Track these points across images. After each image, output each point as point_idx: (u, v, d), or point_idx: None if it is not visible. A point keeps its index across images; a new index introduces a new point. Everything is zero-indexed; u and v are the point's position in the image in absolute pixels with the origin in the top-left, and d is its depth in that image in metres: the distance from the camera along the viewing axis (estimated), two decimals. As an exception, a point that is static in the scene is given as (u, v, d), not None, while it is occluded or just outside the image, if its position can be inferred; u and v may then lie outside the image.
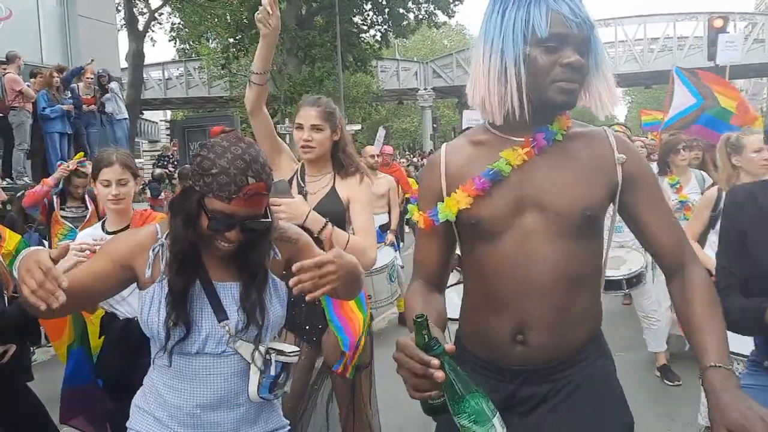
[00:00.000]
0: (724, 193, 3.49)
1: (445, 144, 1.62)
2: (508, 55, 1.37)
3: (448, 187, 1.52)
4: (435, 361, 1.16)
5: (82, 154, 5.93)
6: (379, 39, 24.84)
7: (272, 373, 1.67)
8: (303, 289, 1.49)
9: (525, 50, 1.36)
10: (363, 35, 24.54)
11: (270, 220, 1.65)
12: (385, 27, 24.38)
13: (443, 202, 1.50)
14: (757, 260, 1.78)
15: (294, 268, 1.49)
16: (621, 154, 1.47)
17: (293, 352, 1.74)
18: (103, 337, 2.66)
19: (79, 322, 2.68)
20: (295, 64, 21.51)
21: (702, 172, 5.36)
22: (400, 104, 38.68)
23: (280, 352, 1.70)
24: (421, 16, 24.41)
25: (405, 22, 24.22)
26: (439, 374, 1.16)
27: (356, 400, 2.77)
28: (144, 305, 1.65)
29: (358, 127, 24.37)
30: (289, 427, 1.88)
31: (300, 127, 2.69)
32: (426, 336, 1.19)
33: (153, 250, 1.65)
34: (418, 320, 1.19)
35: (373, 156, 6.70)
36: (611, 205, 1.50)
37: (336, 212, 2.61)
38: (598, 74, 1.44)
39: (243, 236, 1.59)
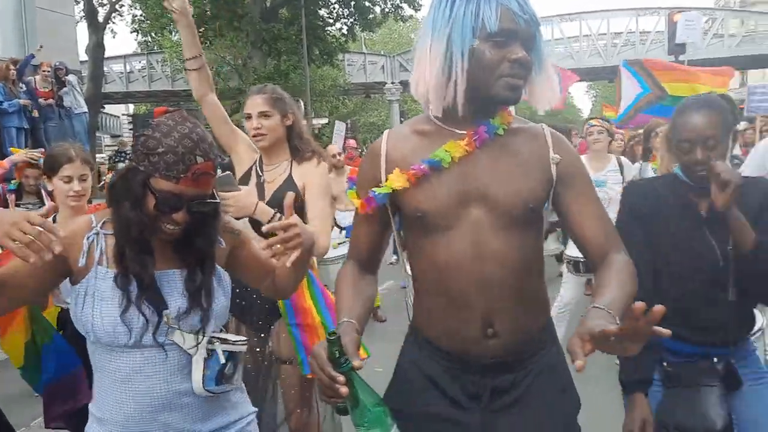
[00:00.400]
0: None
1: (387, 131, 1.62)
2: (455, 47, 1.37)
3: (387, 173, 1.52)
4: (341, 378, 1.25)
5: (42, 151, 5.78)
6: (346, 32, 24.76)
7: (218, 362, 1.60)
8: (275, 252, 1.51)
9: (473, 43, 1.36)
10: (329, 28, 24.44)
11: (217, 201, 1.61)
12: (351, 20, 24.31)
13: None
14: (658, 252, 1.87)
15: (265, 229, 1.51)
16: (556, 154, 1.51)
17: (239, 340, 1.68)
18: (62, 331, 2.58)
19: (38, 318, 2.58)
20: (261, 58, 21.31)
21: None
22: (367, 98, 38.61)
23: (225, 341, 1.63)
24: (387, 10, 24.40)
25: (371, 16, 24.19)
26: (344, 390, 1.24)
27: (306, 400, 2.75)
28: (78, 300, 1.56)
29: (324, 121, 24.27)
30: (254, 416, 1.81)
31: (249, 116, 2.68)
32: (337, 352, 1.26)
33: (87, 239, 1.57)
34: (330, 338, 1.27)
35: (334, 156, 6.48)
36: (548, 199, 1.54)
37: None
38: (541, 70, 1.46)
39: (190, 218, 1.54)
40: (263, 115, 2.65)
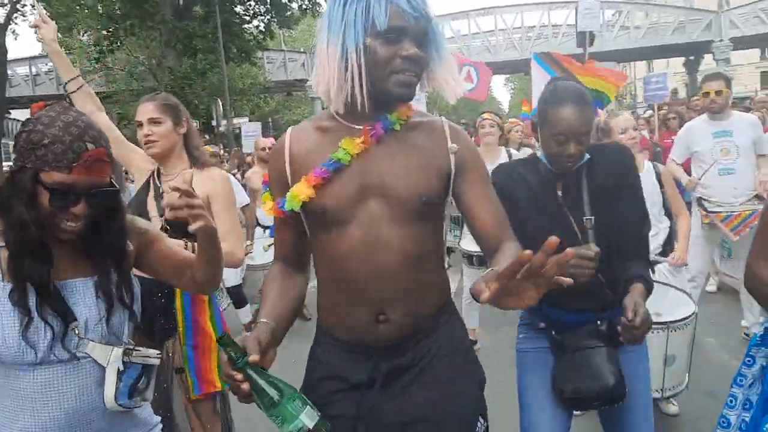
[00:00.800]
0: None
1: (290, 128, 1.64)
2: (349, 44, 1.41)
3: (292, 172, 1.55)
4: (238, 375, 1.29)
5: None
6: (263, 29, 24.39)
7: (133, 375, 1.54)
8: (178, 215, 1.50)
9: (365, 41, 1.40)
10: (246, 26, 24.02)
11: (117, 188, 1.54)
12: (269, 17, 23.99)
13: (290, 188, 1.54)
14: (525, 229, 1.93)
15: (169, 187, 1.49)
16: (453, 144, 1.56)
17: (154, 353, 1.62)
18: None
19: None
20: (176, 57, 20.73)
21: None
22: (289, 95, 38.29)
23: (139, 353, 1.57)
24: (304, 6, 24.19)
25: (289, 12, 23.94)
26: (244, 386, 1.29)
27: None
28: None
29: (245, 119, 23.86)
30: (160, 425, 1.75)
31: (140, 124, 2.63)
32: (231, 352, 1.30)
33: None
34: (219, 341, 1.31)
35: (264, 149, 6.42)
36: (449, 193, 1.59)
37: None
38: (441, 63, 1.52)
39: (89, 211, 1.47)
40: (153, 121, 2.60)
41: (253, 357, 1.30)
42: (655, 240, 3.64)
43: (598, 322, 2.03)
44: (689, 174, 4.71)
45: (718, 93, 4.42)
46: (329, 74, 1.44)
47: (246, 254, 5.30)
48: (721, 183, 4.44)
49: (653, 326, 2.89)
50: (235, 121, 22.24)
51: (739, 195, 4.44)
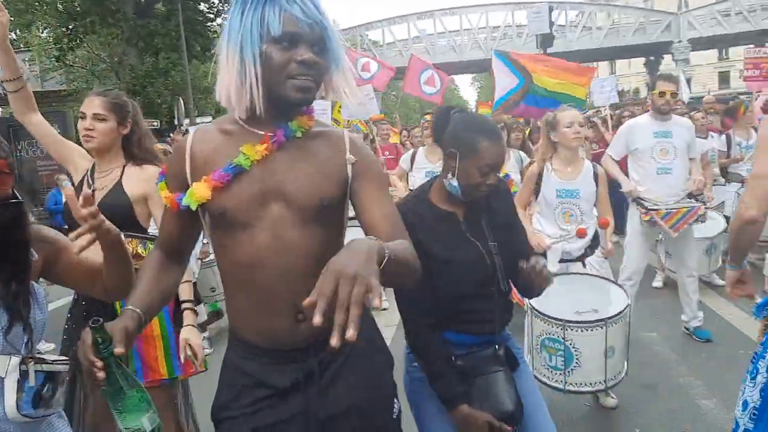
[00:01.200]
0: (547, 165, 3.82)
1: (194, 128, 1.69)
2: (246, 52, 1.45)
3: (192, 171, 1.58)
4: (98, 363, 1.32)
5: None
6: (227, 27, 24.13)
7: (32, 384, 1.50)
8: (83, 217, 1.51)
9: (261, 48, 1.45)
10: (210, 23, 23.76)
11: (21, 201, 1.53)
12: (233, 15, 23.70)
13: (189, 186, 1.57)
14: (433, 261, 2.02)
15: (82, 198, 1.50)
16: (351, 155, 1.62)
17: (59, 360, 1.59)
18: None
19: None
20: (137, 55, 20.44)
21: (521, 152, 5.84)
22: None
23: (41, 361, 1.53)
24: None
25: (254, 10, 23.68)
26: (100, 375, 1.32)
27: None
28: None
29: (209, 119, 23.62)
30: None
31: (83, 116, 2.62)
32: (99, 339, 1.32)
33: None
34: (92, 325, 1.33)
35: None
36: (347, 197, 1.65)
37: (119, 207, 2.53)
38: (338, 71, 1.57)
39: None
40: (97, 117, 2.60)
41: (119, 349, 1.34)
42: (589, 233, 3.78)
43: (496, 346, 2.13)
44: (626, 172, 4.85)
45: (673, 95, 4.58)
46: (229, 81, 1.49)
47: (204, 252, 5.31)
48: (659, 182, 4.60)
49: (593, 324, 3.04)
50: (199, 120, 22.00)
51: (673, 194, 4.62)
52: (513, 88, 7.28)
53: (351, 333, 1.10)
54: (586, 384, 3.13)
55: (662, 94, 4.53)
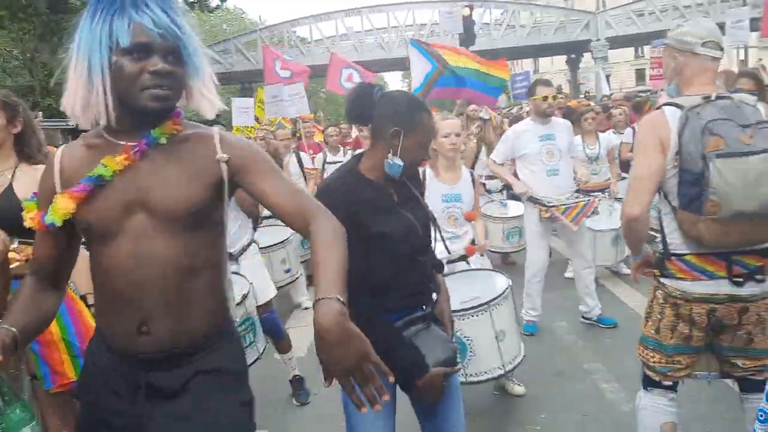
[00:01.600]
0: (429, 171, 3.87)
1: (63, 146, 1.66)
2: (94, 63, 1.44)
3: (62, 187, 1.56)
4: None
5: None
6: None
7: None
8: None
9: (111, 59, 1.44)
10: (129, 19, 23.01)
11: None
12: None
13: None
14: (368, 235, 2.05)
15: None
16: (223, 154, 1.59)
17: None
18: None
19: None
20: (50, 51, 19.59)
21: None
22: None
23: None
24: (192, 0, 23.50)
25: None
26: None
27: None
28: None
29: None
30: None
31: None
32: None
33: None
34: None
35: None
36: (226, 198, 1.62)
37: (9, 211, 2.41)
38: (198, 79, 1.57)
39: None
40: None
41: None
42: (467, 237, 3.87)
43: (424, 307, 2.21)
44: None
45: (555, 98, 4.85)
46: (76, 91, 1.47)
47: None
48: (548, 183, 4.85)
49: (476, 309, 3.14)
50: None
51: (562, 193, 4.89)
52: (428, 72, 7.44)
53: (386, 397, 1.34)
54: (484, 372, 3.21)
55: (545, 98, 4.76)
